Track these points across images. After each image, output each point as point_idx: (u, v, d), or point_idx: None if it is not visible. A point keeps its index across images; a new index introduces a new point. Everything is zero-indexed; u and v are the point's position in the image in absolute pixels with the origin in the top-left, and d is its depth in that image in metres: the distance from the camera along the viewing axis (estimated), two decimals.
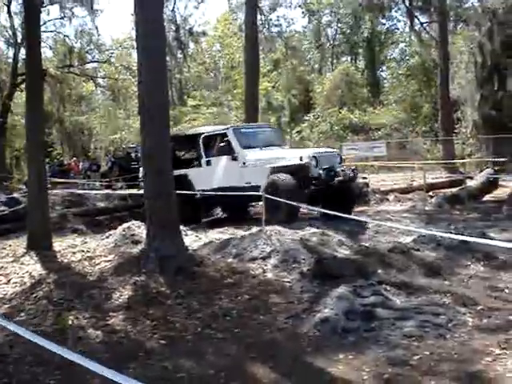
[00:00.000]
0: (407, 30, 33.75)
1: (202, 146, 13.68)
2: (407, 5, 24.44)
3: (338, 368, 4.98)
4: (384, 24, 47.03)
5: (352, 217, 10.34)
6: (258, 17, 23.96)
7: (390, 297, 6.52)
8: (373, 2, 23.65)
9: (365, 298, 6.25)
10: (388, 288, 6.81)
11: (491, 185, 17.40)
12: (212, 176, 13.19)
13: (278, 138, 14.97)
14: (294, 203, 10.72)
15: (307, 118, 40.08)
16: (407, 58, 46.45)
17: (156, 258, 7.81)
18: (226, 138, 13.06)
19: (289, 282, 7.38)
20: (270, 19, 40.16)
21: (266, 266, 7.96)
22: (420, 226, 11.22)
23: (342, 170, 12.28)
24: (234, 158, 12.77)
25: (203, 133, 14.03)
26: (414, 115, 37.81)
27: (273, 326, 6.04)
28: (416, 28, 26.00)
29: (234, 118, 36.64)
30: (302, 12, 50.57)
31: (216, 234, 11.09)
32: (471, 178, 19.95)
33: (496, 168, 20.36)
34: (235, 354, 5.38)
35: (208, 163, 13.51)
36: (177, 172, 12.79)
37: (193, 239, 10.22)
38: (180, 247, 8.29)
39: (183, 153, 15.78)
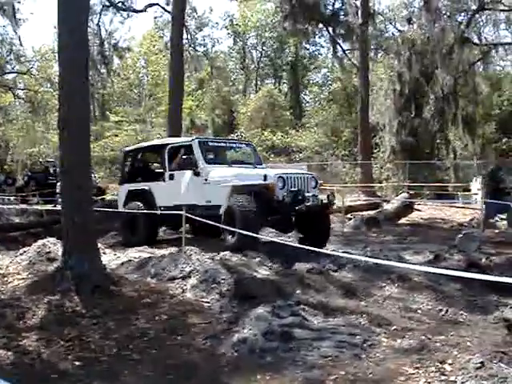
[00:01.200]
0: (330, 55, 34.59)
1: (166, 158, 12.45)
2: (330, 32, 25.07)
3: None
4: (308, 49, 48.16)
5: (271, 239, 10.48)
6: (184, 35, 24.02)
7: (308, 317, 6.59)
8: (297, 28, 24.11)
9: (283, 319, 6.27)
10: (306, 308, 6.88)
11: (406, 208, 18.00)
12: (174, 192, 11.97)
13: (251, 155, 13.52)
14: (250, 232, 9.27)
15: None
16: (329, 82, 47.60)
17: (72, 277, 7.56)
18: (190, 151, 11.85)
19: (208, 302, 7.34)
20: (196, 38, 40.49)
21: (185, 285, 7.89)
22: (338, 247, 11.42)
23: (314, 195, 11.01)
24: (197, 174, 11.56)
25: (168, 144, 12.80)
26: (335, 139, 38.69)
27: (191, 346, 5.97)
28: (338, 55, 26.69)
29: (157, 136, 36.36)
30: (228, 33, 51.12)
31: (135, 253, 10.89)
32: (388, 201, 20.55)
33: (411, 192, 21.10)
34: (152, 376, 5.28)
35: (171, 177, 12.25)
36: (141, 186, 12.91)
37: (111, 258, 10.02)
38: (97, 266, 8.06)
39: (148, 165, 14.61)
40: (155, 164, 14.06)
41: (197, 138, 12.24)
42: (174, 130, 21.04)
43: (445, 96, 27.65)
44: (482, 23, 29.50)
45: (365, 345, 5.93)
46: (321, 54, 49.07)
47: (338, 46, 25.69)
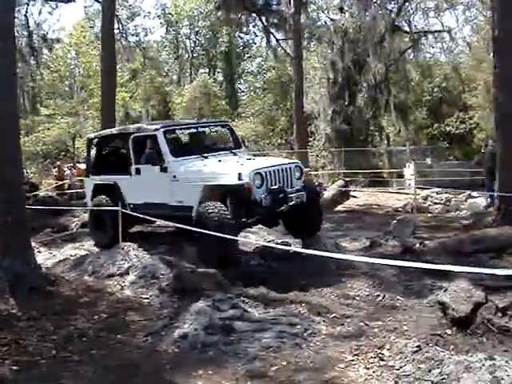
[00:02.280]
0: (264, 44, 34.60)
1: (131, 149, 10.71)
2: (263, 21, 25.10)
3: None
4: (241, 38, 48.12)
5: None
6: (116, 25, 23.58)
7: (249, 309, 6.64)
8: (229, 18, 24.06)
9: (223, 312, 6.32)
10: (246, 300, 6.92)
11: (342, 195, 18.25)
12: (141, 188, 10.44)
13: (227, 139, 11.88)
14: (225, 243, 8.19)
15: None
16: (264, 71, 47.69)
17: (6, 278, 7.37)
18: (155, 143, 10.20)
19: (147, 298, 7.30)
20: (128, 28, 39.82)
21: (123, 282, 7.82)
22: (277, 236, 11.48)
23: (299, 190, 9.50)
24: (164, 169, 9.91)
25: (132, 133, 10.85)
26: (271, 128, 38.89)
27: (131, 344, 5.93)
28: (272, 44, 26.79)
29: (90, 128, 35.68)
30: (161, 22, 50.48)
31: (71, 250, 10.70)
32: (324, 189, 20.78)
33: (347, 179, 21.43)
34: (92, 377, 5.22)
35: (137, 172, 10.58)
36: (106, 179, 11.29)
37: (46, 256, 9.85)
38: (32, 265, 7.87)
39: (115, 155, 12.25)
40: (123, 153, 11.94)
41: (162, 127, 10.32)
42: (108, 122, 20.68)
43: (377, 84, 28.22)
44: (411, 11, 30.14)
45: (305, 334, 6.04)
46: (255, 43, 49.05)
47: (272, 36, 25.76)
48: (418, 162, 24.97)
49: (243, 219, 8.92)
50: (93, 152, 12.42)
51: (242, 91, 51.51)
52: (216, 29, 41.76)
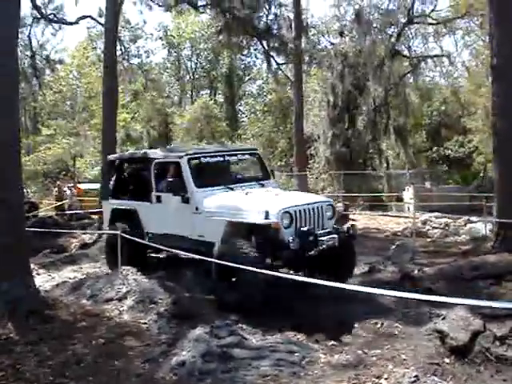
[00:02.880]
0: (265, 66, 34.77)
1: (153, 175, 10.12)
2: (264, 46, 25.29)
3: None
4: (243, 60, 48.40)
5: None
6: (118, 47, 23.77)
7: (247, 336, 6.63)
8: (231, 41, 24.25)
9: (222, 339, 6.30)
10: (244, 327, 6.92)
11: (342, 218, 18.25)
12: (161, 217, 9.83)
13: (257, 169, 10.93)
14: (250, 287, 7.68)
15: None
16: (265, 94, 47.94)
17: (4, 301, 7.35)
18: (178, 171, 9.52)
19: (146, 323, 7.29)
20: (130, 50, 40.12)
21: (122, 307, 7.80)
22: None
23: (330, 232, 8.62)
24: (186, 200, 9.21)
25: (154, 158, 10.23)
26: (271, 150, 38.97)
27: (129, 371, 5.91)
28: (272, 68, 26.94)
29: (92, 149, 35.77)
30: (162, 44, 50.86)
31: (70, 273, 10.70)
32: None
33: (346, 202, 21.48)
34: None
35: (158, 199, 9.98)
36: (126, 204, 10.73)
37: (45, 279, 9.83)
38: (31, 289, 7.87)
39: (136, 179, 11.39)
40: (144, 178, 11.09)
41: (186, 155, 9.55)
42: (109, 142, 20.76)
43: (377, 107, 28.39)
44: (411, 36, 30.47)
45: (303, 362, 6.03)
46: (255, 65, 49.40)
47: (272, 59, 25.92)
48: (417, 185, 25.06)
49: (268, 261, 8.20)
50: (112, 174, 11.72)
51: (243, 113, 51.74)
52: (217, 51, 42.08)
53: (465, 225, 16.49)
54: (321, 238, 8.31)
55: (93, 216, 18.97)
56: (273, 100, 42.25)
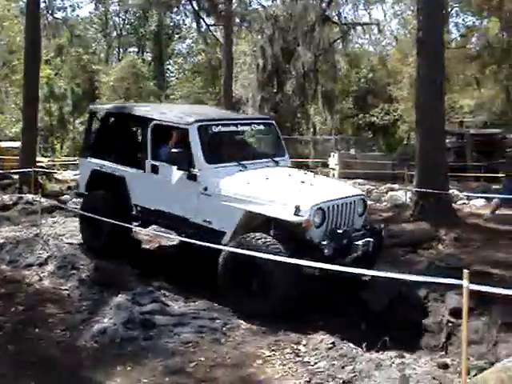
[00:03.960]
0: (194, 26, 34.25)
1: (149, 139, 8.32)
2: (194, 6, 24.87)
3: (115, 381, 5.00)
4: (172, 18, 47.41)
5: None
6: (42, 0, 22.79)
7: (169, 303, 6.67)
8: (160, 1, 23.73)
9: (144, 306, 6.30)
10: (167, 294, 6.95)
11: None
12: (156, 191, 8.20)
13: (271, 142, 9.43)
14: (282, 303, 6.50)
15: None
16: (194, 54, 47.30)
17: None
18: (184, 140, 7.84)
19: (67, 289, 7.14)
20: (55, 3, 38.55)
21: (42, 273, 7.60)
22: None
23: (364, 234, 7.32)
24: (192, 177, 7.63)
25: (153, 119, 8.38)
26: None
27: (49, 339, 5.82)
28: (202, 29, 26.60)
29: (13, 106, 34.42)
30: None
31: None
32: None
33: None
34: (10, 374, 5.09)
35: (154, 169, 8.22)
36: (110, 167, 8.88)
37: None
38: None
39: (125, 138, 9.56)
40: (136, 140, 9.56)
41: (197, 121, 7.87)
42: (31, 99, 19.99)
43: (306, 72, 28.51)
44: (341, 3, 30.58)
45: (224, 328, 6.12)
46: (185, 24, 48.48)
47: (202, 21, 25.56)
48: (342, 152, 25.54)
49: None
50: (95, 128, 9.89)
51: (172, 72, 50.98)
52: (146, 8, 41.09)
53: (387, 192, 16.99)
54: (356, 243, 7.03)
55: (14, 176, 18.30)
56: (202, 61, 41.81)
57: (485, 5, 25.46)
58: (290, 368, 5.27)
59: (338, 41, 30.19)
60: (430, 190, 11.18)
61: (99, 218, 8.24)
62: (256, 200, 7.05)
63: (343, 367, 5.14)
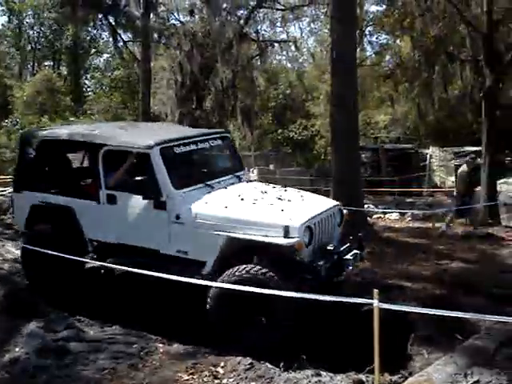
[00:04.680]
0: (112, 40, 33.76)
1: (101, 167, 7.50)
2: (111, 22, 24.57)
3: None
4: (89, 31, 46.50)
5: None
6: None
7: (85, 328, 6.56)
8: (76, 16, 23.30)
9: (58, 333, 6.18)
10: (82, 319, 6.82)
11: None
12: (115, 223, 7.39)
13: (229, 157, 8.64)
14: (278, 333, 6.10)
15: (5, 123, 37.75)
16: (112, 68, 46.64)
17: None
18: (145, 165, 7.11)
19: None
20: None
21: None
22: None
23: (350, 248, 7.16)
24: (160, 205, 6.94)
25: (105, 144, 7.50)
26: None
27: None
28: (119, 45, 26.32)
29: None
30: (2, 10, 47.69)
31: None
32: None
33: None
34: None
35: (110, 200, 7.40)
36: (55, 199, 7.91)
37: None
38: None
39: (66, 168, 8.79)
40: (83, 167, 8.81)
41: (157, 144, 7.12)
42: None
43: (224, 89, 28.68)
44: (259, 20, 31.00)
45: (141, 353, 6.09)
46: (102, 38, 47.62)
47: (118, 36, 25.25)
48: (261, 167, 25.84)
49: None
50: (29, 157, 8.41)
51: (89, 87, 50.03)
52: (61, 22, 40.28)
53: None
54: (346, 258, 6.84)
55: None
56: (120, 76, 41.33)
57: (397, 24, 26.37)
58: None
59: (257, 57, 30.59)
60: (346, 206, 11.46)
61: (50, 252, 7.27)
62: (237, 224, 6.52)
63: None
